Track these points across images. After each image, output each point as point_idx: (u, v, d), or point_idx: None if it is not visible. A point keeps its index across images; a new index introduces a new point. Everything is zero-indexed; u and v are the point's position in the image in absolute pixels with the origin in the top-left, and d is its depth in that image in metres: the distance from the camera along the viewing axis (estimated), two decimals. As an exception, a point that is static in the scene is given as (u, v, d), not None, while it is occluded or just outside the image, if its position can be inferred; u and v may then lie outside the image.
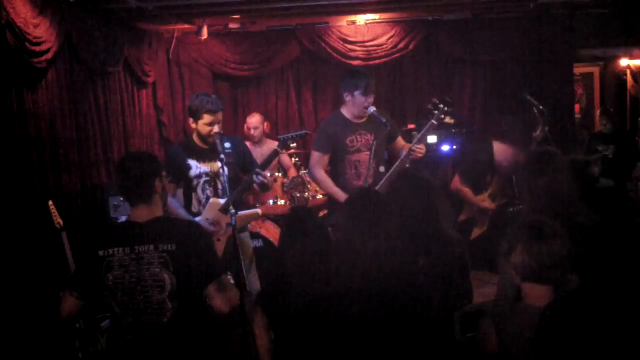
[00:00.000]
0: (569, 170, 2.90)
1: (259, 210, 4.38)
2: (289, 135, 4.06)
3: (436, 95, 4.58)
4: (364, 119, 4.42)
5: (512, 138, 5.13)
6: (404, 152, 4.28)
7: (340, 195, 4.22)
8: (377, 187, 4.10)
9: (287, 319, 2.64)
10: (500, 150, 5.00)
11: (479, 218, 5.10)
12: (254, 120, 6.19)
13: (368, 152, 4.27)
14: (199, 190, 4.02)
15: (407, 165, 4.27)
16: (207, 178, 4.02)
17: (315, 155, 4.50)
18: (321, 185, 4.65)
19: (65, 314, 2.70)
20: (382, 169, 4.44)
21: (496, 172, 5.09)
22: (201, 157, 4.02)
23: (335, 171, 4.54)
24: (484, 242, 4.95)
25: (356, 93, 4.29)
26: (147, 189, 2.61)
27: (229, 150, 3.90)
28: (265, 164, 4.04)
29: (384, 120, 4.27)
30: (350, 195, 3.09)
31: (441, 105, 4.27)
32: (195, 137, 4.05)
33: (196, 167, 4.01)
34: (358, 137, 4.40)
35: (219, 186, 4.00)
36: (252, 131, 6.15)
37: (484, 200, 5.07)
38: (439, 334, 2.21)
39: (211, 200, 3.96)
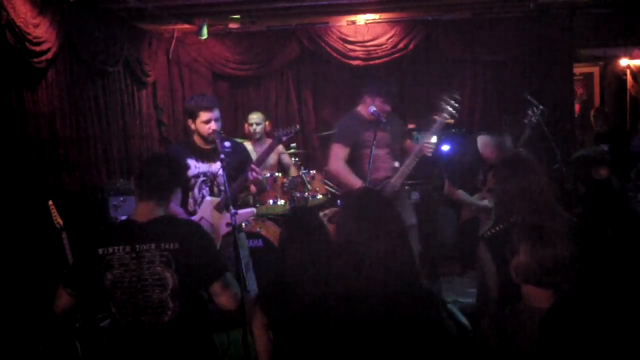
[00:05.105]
0: (543, 173, 2.93)
1: (253, 209, 4.36)
2: (282, 132, 4.13)
3: (441, 94, 4.59)
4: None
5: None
6: (417, 148, 4.40)
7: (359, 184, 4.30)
8: (392, 181, 4.38)
9: (286, 320, 2.63)
10: (484, 143, 4.99)
11: (483, 217, 5.10)
12: (256, 116, 6.13)
13: (385, 149, 4.46)
14: (196, 190, 3.99)
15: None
16: (205, 178, 4.00)
17: (335, 147, 4.53)
18: (340, 177, 4.55)
19: (60, 310, 2.70)
20: (396, 164, 4.57)
21: (490, 168, 5.12)
22: (200, 157, 4.00)
23: (352, 166, 4.58)
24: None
25: (377, 99, 4.44)
26: (165, 195, 2.67)
27: (228, 149, 3.89)
28: (261, 160, 4.08)
29: (383, 120, 4.38)
30: (353, 195, 3.09)
31: (452, 102, 4.35)
32: (196, 138, 4.03)
33: (195, 166, 3.99)
34: (373, 134, 4.48)
35: (215, 187, 4.00)
36: (254, 127, 6.04)
37: (483, 199, 5.06)
38: (440, 335, 2.20)
39: (207, 198, 3.95)
